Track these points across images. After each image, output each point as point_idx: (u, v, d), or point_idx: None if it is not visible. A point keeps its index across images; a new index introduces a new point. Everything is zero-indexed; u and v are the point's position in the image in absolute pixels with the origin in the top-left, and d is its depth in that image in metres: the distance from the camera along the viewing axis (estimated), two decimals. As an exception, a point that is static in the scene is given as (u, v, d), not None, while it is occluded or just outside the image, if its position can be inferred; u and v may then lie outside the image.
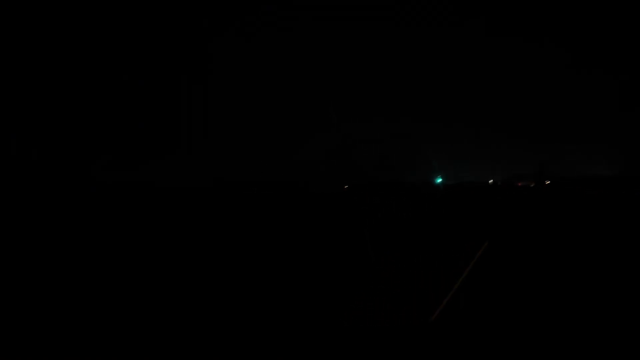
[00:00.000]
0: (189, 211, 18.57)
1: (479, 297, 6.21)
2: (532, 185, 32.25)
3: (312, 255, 9.48)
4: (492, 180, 34.10)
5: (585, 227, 12.47)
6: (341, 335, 5.12)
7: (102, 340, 5.00)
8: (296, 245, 10.62)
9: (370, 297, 6.46)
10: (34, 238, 11.32)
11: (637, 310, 5.50)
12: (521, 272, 7.57)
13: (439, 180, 29.71)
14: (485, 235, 9.98)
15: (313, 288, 7.03)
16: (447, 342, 4.74)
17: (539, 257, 8.74)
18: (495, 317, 5.48)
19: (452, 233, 11.58)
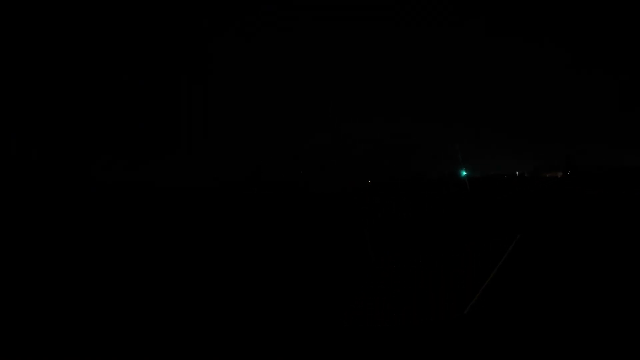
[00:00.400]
0: (189, 211, 18.57)
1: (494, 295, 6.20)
2: (559, 176, 32.70)
3: (313, 255, 9.47)
4: (519, 172, 34.42)
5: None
6: (341, 335, 5.12)
7: (102, 340, 5.00)
8: (296, 245, 10.62)
9: (370, 297, 6.46)
10: (34, 237, 11.32)
11: None
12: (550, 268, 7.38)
13: (464, 174, 29.90)
14: (517, 229, 9.84)
15: (313, 288, 7.03)
16: (449, 342, 4.74)
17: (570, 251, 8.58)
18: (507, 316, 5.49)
19: (458, 231, 11.57)
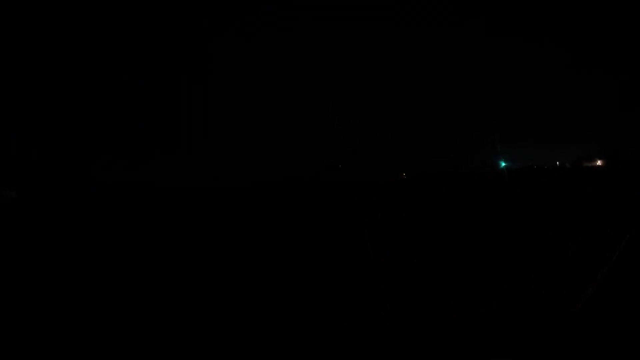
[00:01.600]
0: (189, 211, 18.57)
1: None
2: (598, 165, 31.70)
3: (312, 255, 9.47)
4: (559, 162, 33.52)
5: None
6: (341, 335, 5.12)
7: (102, 340, 5.00)
8: (296, 245, 10.62)
9: (370, 297, 6.46)
10: (34, 238, 11.32)
11: None
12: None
13: (503, 164, 29.38)
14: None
15: (313, 288, 7.02)
16: (446, 343, 4.73)
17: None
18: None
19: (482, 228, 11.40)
